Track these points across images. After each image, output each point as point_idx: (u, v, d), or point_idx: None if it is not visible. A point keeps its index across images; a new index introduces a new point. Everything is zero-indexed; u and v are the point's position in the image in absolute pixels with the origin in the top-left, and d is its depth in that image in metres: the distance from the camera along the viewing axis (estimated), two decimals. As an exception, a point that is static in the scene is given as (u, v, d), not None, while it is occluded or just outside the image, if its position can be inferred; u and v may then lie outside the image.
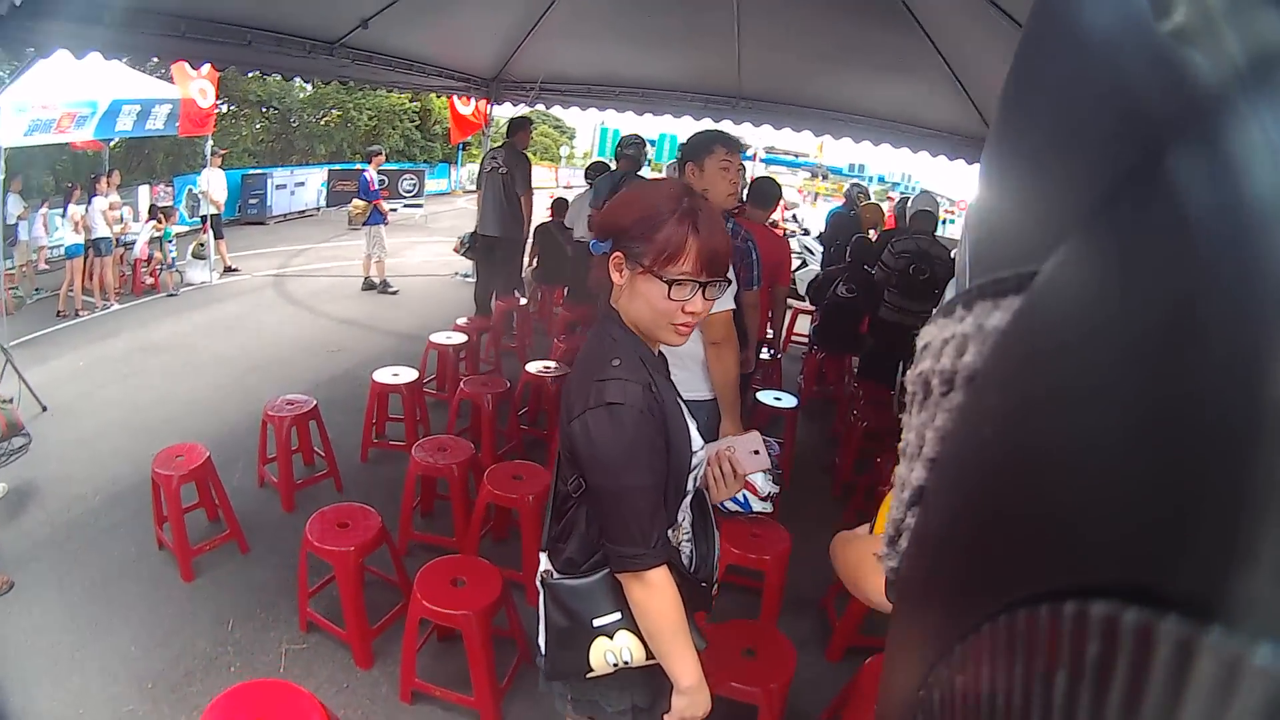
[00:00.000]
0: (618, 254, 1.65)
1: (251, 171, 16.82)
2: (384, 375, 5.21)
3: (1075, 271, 0.26)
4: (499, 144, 8.09)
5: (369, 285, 10.25)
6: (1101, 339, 0.24)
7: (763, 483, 3.58)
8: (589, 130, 25.16)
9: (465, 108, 10.76)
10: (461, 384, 5.27)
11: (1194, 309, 0.20)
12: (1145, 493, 0.21)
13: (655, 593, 1.66)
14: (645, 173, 7.78)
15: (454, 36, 7.88)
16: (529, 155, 7.92)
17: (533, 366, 5.69)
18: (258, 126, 21.93)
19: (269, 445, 4.71)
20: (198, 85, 10.35)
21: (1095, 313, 0.24)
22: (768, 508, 3.45)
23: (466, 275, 10.95)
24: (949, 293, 0.43)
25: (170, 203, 12.45)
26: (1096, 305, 0.24)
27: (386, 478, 5.03)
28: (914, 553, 0.44)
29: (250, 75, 18.71)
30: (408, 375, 5.25)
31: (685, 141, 3.49)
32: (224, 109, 20.78)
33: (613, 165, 7.84)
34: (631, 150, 7.15)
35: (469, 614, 2.94)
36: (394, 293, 10.17)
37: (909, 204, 7.61)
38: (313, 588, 3.58)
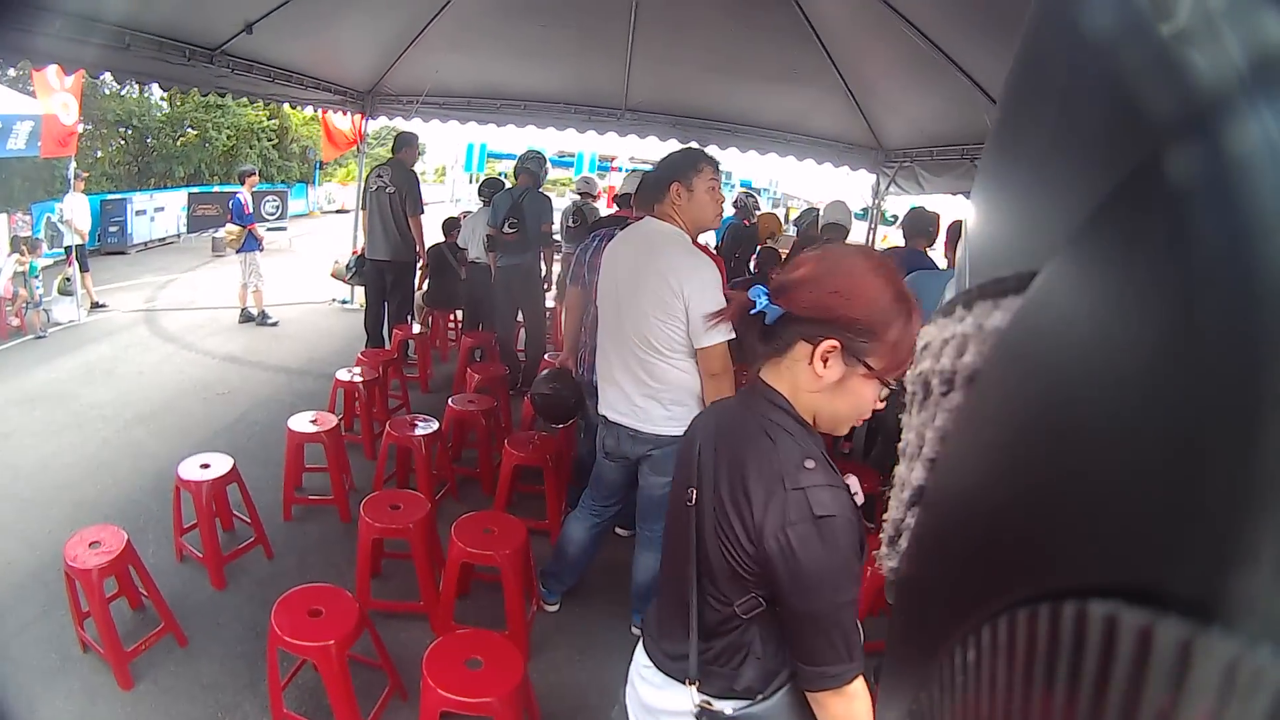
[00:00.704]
0: (833, 343, 1.40)
1: (111, 197, 15.55)
2: (300, 423, 4.75)
3: (1075, 272, 0.26)
4: (384, 161, 7.62)
5: (247, 317, 9.57)
6: (1101, 340, 0.23)
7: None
8: (441, 146, 24.45)
9: (343, 122, 10.22)
10: (389, 427, 4.88)
11: (1194, 311, 0.20)
12: (1144, 494, 0.21)
13: (856, 701, 1.43)
14: (546, 190, 7.55)
15: (333, 47, 7.54)
16: (416, 172, 7.51)
17: (456, 401, 5.37)
18: (113, 148, 20.43)
19: (184, 513, 4.17)
20: (60, 99, 9.31)
21: (1095, 314, 0.24)
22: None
23: (346, 301, 10.52)
24: (949, 293, 0.41)
25: (29, 233, 11.19)
26: (1096, 306, 0.24)
27: (318, 538, 4.61)
28: (914, 553, 0.43)
29: (110, 91, 17.72)
30: (326, 421, 4.82)
31: (665, 160, 3.36)
32: (82, 129, 19.38)
33: (508, 182, 7.63)
34: (532, 165, 6.98)
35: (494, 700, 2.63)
36: (274, 324, 9.52)
37: (820, 213, 7.55)
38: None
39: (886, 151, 8.57)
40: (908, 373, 0.44)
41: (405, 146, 7.41)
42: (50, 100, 9.23)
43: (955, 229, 5.21)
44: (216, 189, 17.10)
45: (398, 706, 3.28)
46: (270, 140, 22.96)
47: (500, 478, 4.74)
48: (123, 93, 17.90)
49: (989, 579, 0.29)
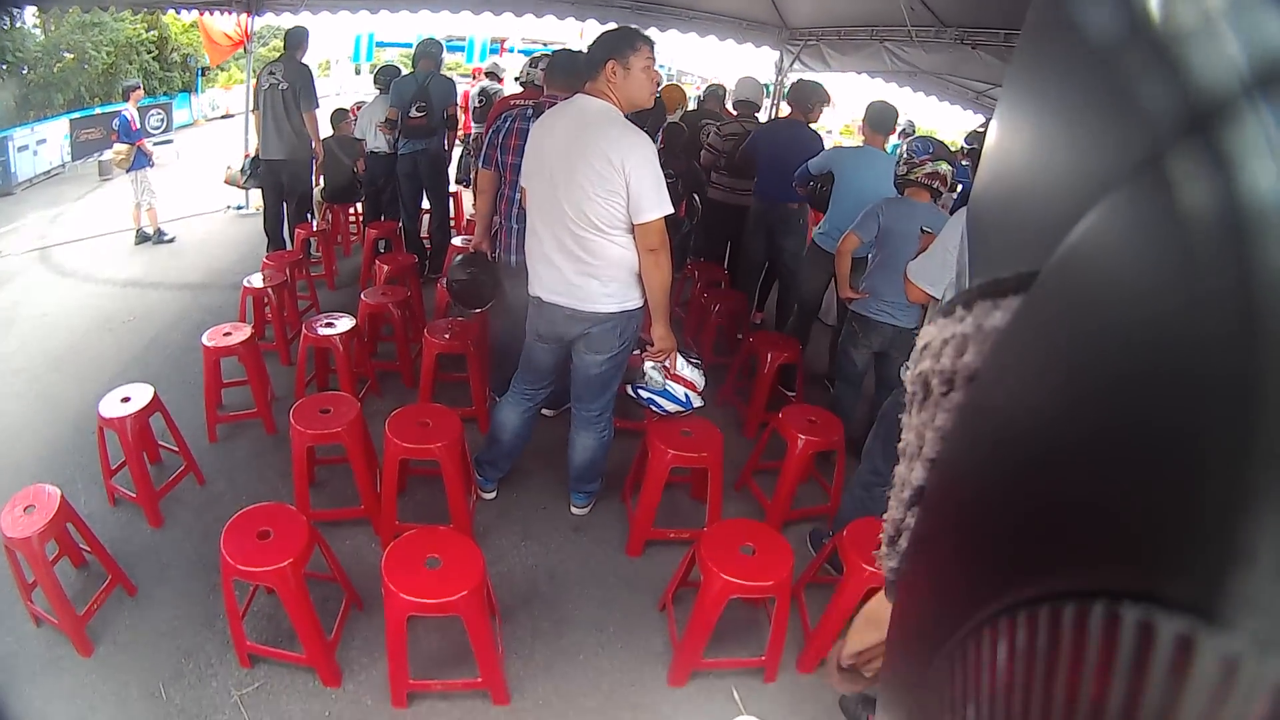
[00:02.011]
0: None
1: None
2: (214, 338, 4.42)
3: (1074, 273, 0.26)
4: (275, 58, 7.09)
5: (143, 237, 8.88)
6: (1101, 340, 0.23)
7: (699, 378, 3.54)
8: (324, 40, 23.72)
9: (225, 23, 9.45)
10: (304, 329, 4.60)
11: (1193, 311, 0.20)
12: (1144, 493, 0.21)
13: None
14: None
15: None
16: (308, 66, 6.98)
17: (368, 295, 5.09)
18: (-12, 85, 18.88)
19: (110, 454, 3.82)
20: None
21: (1094, 314, 0.24)
22: (702, 402, 3.64)
23: (241, 207, 9.93)
24: (948, 293, 0.41)
25: None
26: (1096, 307, 0.24)
27: (247, 454, 4.35)
28: (914, 553, 0.43)
29: None
30: (240, 332, 4.48)
31: (600, 38, 3.21)
32: None
33: (404, 69, 7.29)
34: (433, 49, 6.74)
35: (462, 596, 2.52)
36: (171, 240, 8.89)
37: (732, 89, 7.32)
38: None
39: (791, 30, 8.33)
40: (908, 373, 0.43)
41: (298, 42, 6.87)
42: None
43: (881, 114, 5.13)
44: (98, 111, 15.84)
45: (356, 618, 3.16)
46: (150, 53, 21.49)
47: (422, 368, 4.54)
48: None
49: (989, 579, 0.28)
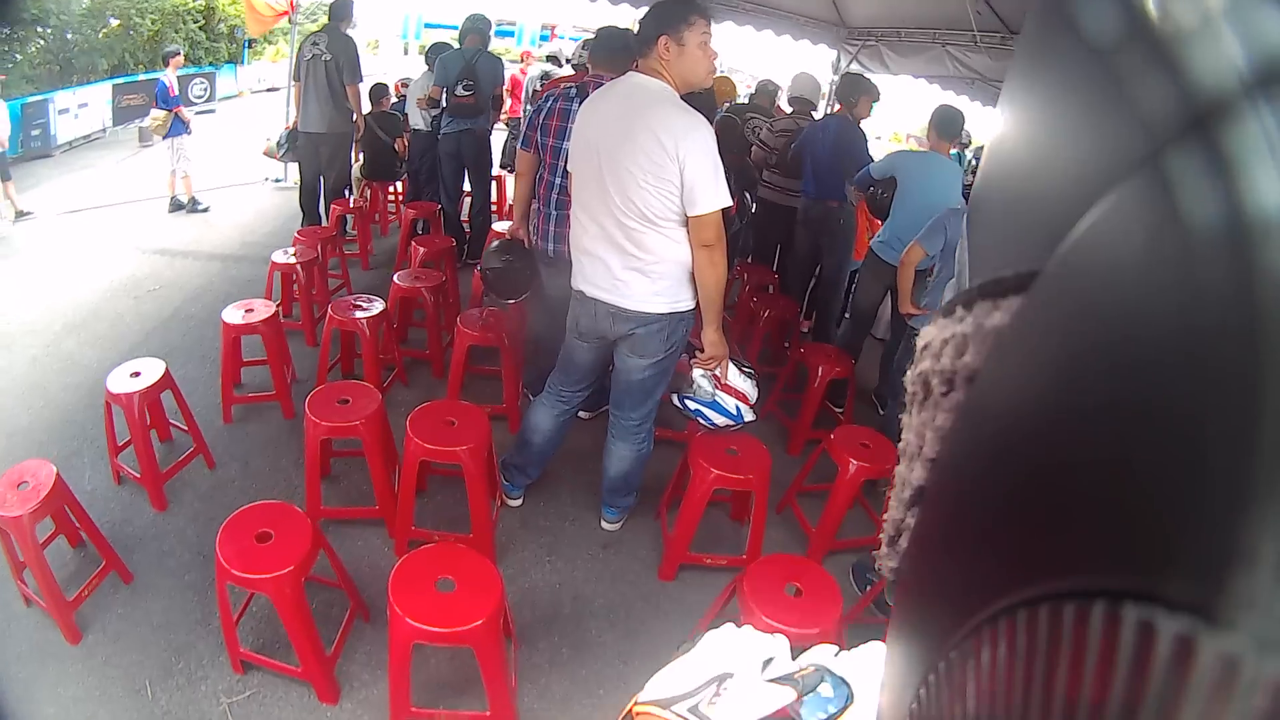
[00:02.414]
0: None
1: (32, 99, 14.44)
2: (234, 314, 4.15)
3: (1075, 274, 0.25)
4: (319, 28, 6.84)
5: (177, 205, 8.72)
6: (1101, 340, 0.23)
7: (751, 390, 3.24)
8: (374, 18, 23.29)
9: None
10: (330, 310, 4.31)
11: (1194, 311, 0.20)
12: (1145, 492, 0.20)
13: None
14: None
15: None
16: (353, 38, 6.72)
17: (401, 278, 4.79)
18: (32, 50, 18.86)
19: (118, 430, 3.61)
20: None
21: (1095, 314, 0.24)
22: (754, 416, 3.46)
23: (280, 180, 9.68)
24: (948, 293, 0.39)
25: None
26: (1096, 307, 0.24)
27: (262, 439, 4.14)
28: (914, 553, 0.41)
29: None
30: (263, 310, 4.22)
31: (652, 11, 2.88)
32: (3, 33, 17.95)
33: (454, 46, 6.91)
34: (481, 24, 6.37)
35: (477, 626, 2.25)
36: (204, 210, 8.69)
37: (787, 86, 7.02)
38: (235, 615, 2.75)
39: (850, 28, 8.01)
40: (908, 373, 0.40)
41: (343, 12, 6.62)
42: None
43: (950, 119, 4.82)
44: (141, 78, 15.87)
45: (361, 629, 2.92)
46: (197, 23, 21.47)
47: (452, 360, 4.26)
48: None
49: (989, 579, 0.28)
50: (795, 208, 5.88)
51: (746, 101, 7.90)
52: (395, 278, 4.79)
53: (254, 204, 9.16)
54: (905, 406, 0.40)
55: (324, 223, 6.85)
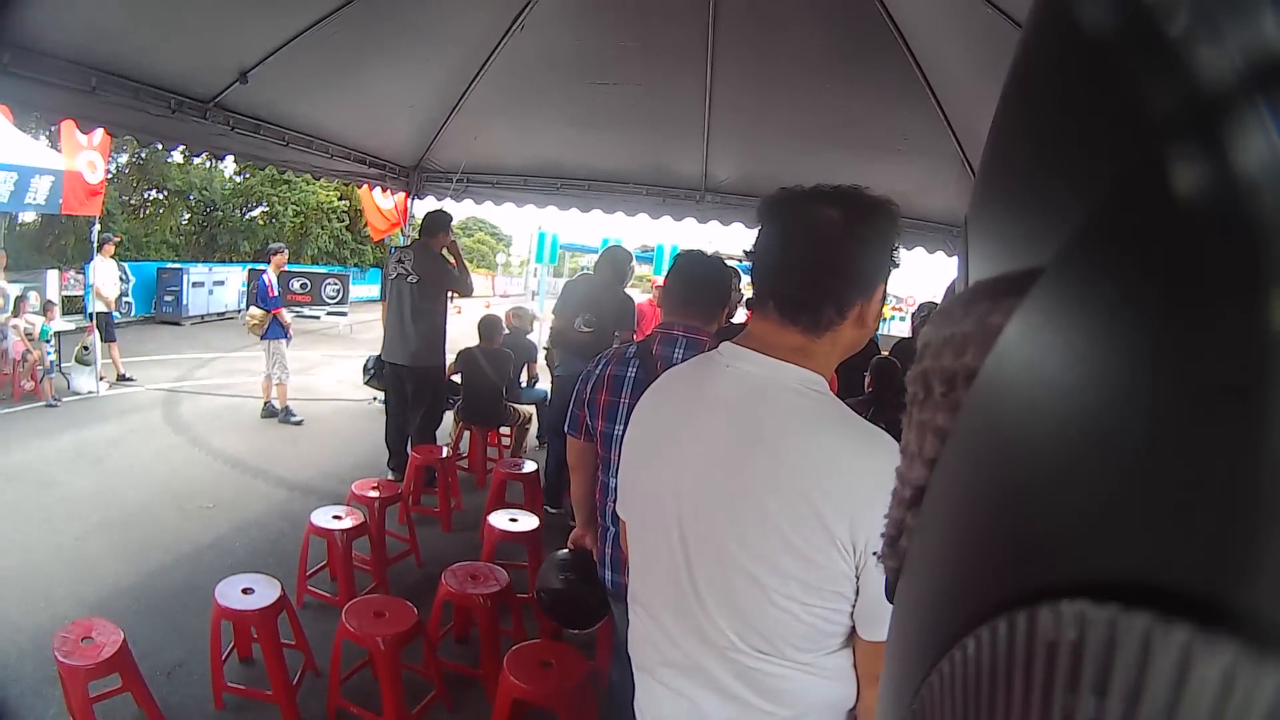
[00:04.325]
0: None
1: (168, 266, 14.95)
2: (231, 591, 3.26)
3: (1075, 273, 0.25)
4: (408, 244, 6.20)
5: (270, 412, 8.21)
6: (1102, 341, 0.23)
7: None
8: (527, 236, 21.72)
9: (386, 201, 8.76)
10: (343, 615, 3.17)
11: (1195, 310, 0.20)
12: (1146, 496, 0.20)
13: None
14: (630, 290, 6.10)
15: (363, 109, 6.13)
16: (444, 258, 5.95)
17: (455, 574, 3.64)
18: (185, 219, 19.85)
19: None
20: (86, 157, 8.64)
21: (1095, 314, 0.24)
22: None
23: (387, 402, 8.92)
24: (948, 293, 0.39)
25: (81, 291, 10.66)
26: (1097, 307, 0.24)
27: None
28: (914, 554, 0.41)
29: (176, 160, 17.16)
30: (266, 592, 3.26)
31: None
32: (150, 196, 18.99)
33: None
34: (618, 254, 5.81)
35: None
36: (297, 422, 8.10)
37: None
38: None
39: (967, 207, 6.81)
40: (908, 373, 0.41)
41: (438, 228, 5.86)
42: (77, 158, 8.62)
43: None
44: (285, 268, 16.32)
45: None
46: (343, 221, 22.13)
47: (495, 709, 2.96)
48: (195, 161, 17.21)
49: (988, 581, 0.28)
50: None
51: (911, 335, 6.60)
52: (446, 576, 3.65)
53: (352, 426, 8.51)
54: (905, 407, 0.40)
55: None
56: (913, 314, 7.76)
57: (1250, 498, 0.17)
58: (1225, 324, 0.19)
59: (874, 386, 4.70)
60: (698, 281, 2.59)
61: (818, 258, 1.33)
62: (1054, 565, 0.23)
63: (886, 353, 5.35)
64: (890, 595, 0.43)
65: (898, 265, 1.41)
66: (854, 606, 1.31)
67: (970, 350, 0.33)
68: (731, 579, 1.35)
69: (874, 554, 0.83)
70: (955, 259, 5.78)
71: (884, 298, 1.43)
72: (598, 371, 2.56)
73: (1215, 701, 0.18)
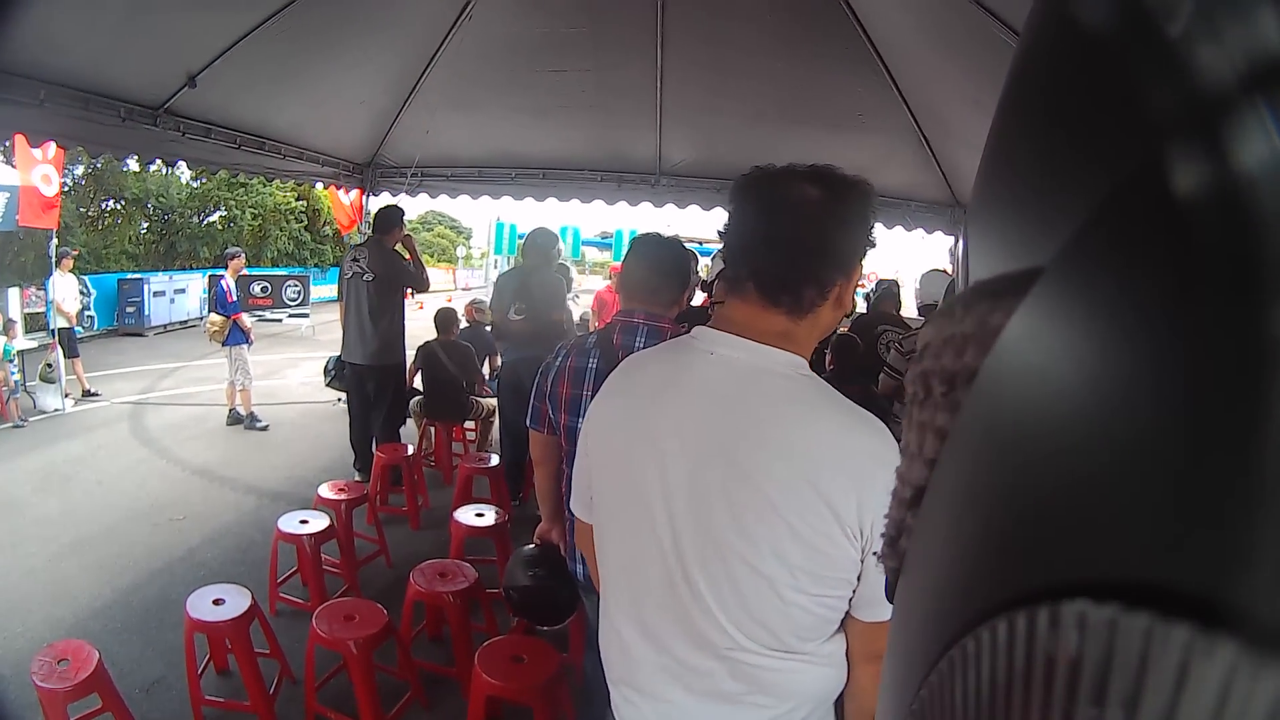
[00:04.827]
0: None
1: (128, 277, 14.72)
2: (202, 603, 3.22)
3: (1075, 273, 0.26)
4: (362, 242, 6.06)
5: (234, 419, 8.09)
6: (1101, 341, 0.23)
7: None
8: (486, 228, 21.21)
9: (347, 197, 8.67)
10: (314, 621, 3.13)
11: (1195, 309, 0.20)
12: (1146, 495, 0.20)
13: None
14: (589, 275, 6.03)
15: (314, 108, 6.06)
16: (398, 254, 5.85)
17: (423, 573, 3.59)
18: (144, 228, 19.52)
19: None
20: (41, 171, 8.68)
21: (1096, 314, 0.24)
22: None
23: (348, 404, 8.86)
24: (948, 294, 0.39)
25: (41, 309, 10.45)
26: (1097, 307, 0.24)
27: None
28: (914, 554, 0.41)
29: (130, 169, 16.96)
30: (237, 602, 3.23)
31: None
32: (107, 206, 18.72)
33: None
34: (543, 239, 5.58)
35: None
36: (263, 428, 8.00)
37: (917, 286, 5.95)
38: None
39: (966, 208, 6.83)
40: (908, 373, 0.40)
41: (390, 225, 5.78)
42: (31, 173, 8.66)
43: None
44: (245, 272, 16.12)
45: None
46: (301, 222, 21.80)
47: (470, 707, 2.95)
48: (150, 169, 16.92)
49: (988, 581, 0.28)
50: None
51: (868, 311, 6.52)
52: (413, 575, 3.61)
53: (318, 428, 8.42)
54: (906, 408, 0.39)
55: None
56: (870, 290, 7.71)
57: (1250, 498, 0.17)
58: (1225, 324, 0.19)
59: (835, 363, 4.71)
60: (657, 265, 2.53)
61: (799, 237, 1.31)
62: (1054, 565, 0.23)
63: (845, 329, 5.39)
64: (890, 595, 0.43)
65: (874, 244, 1.38)
66: (855, 592, 1.30)
67: (970, 350, 0.33)
68: (735, 575, 1.30)
69: (874, 554, 0.84)
70: (915, 234, 5.80)
71: (856, 279, 1.41)
72: (558, 364, 2.50)
73: (1216, 702, 0.18)
